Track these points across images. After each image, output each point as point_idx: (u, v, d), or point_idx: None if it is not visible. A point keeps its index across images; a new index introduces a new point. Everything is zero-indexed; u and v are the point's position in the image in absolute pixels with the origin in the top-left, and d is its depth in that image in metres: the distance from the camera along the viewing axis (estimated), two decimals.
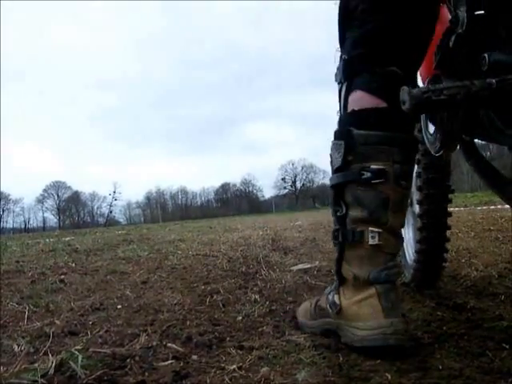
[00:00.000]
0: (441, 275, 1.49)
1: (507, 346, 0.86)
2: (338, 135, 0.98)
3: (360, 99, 0.95)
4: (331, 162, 0.99)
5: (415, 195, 1.47)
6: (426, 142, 1.12)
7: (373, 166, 0.90)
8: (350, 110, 0.97)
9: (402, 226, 0.99)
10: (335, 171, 0.97)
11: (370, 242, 0.91)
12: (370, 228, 0.91)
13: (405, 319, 0.93)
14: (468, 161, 1.03)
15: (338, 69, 1.03)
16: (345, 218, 0.95)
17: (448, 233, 1.40)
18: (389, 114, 0.92)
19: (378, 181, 0.90)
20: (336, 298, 0.97)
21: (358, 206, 0.92)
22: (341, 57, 1.03)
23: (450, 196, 1.38)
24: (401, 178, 0.92)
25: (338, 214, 0.96)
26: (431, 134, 1.08)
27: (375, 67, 0.94)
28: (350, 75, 0.98)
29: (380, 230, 0.91)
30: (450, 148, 1.07)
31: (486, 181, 0.95)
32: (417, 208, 1.43)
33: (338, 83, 1.03)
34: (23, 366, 0.86)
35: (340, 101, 1.02)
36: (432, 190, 1.35)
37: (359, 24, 0.96)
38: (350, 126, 0.95)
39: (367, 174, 0.90)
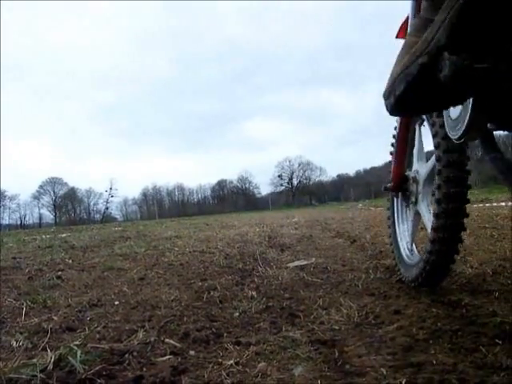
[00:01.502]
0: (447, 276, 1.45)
1: (500, 342, 0.87)
2: None
3: None
4: None
5: (433, 194, 1.38)
6: (447, 127, 1.01)
7: None
8: None
9: None
10: None
11: None
12: None
13: None
14: (487, 155, 0.94)
15: None
16: None
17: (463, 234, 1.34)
18: None
19: None
20: None
21: None
22: None
23: (468, 196, 1.28)
24: None
25: None
26: (453, 120, 0.96)
27: None
28: None
29: None
30: (472, 136, 0.93)
31: (504, 178, 0.87)
32: (431, 207, 1.37)
33: None
34: (22, 362, 0.87)
35: None
36: (452, 190, 1.26)
37: None
38: None
39: None
